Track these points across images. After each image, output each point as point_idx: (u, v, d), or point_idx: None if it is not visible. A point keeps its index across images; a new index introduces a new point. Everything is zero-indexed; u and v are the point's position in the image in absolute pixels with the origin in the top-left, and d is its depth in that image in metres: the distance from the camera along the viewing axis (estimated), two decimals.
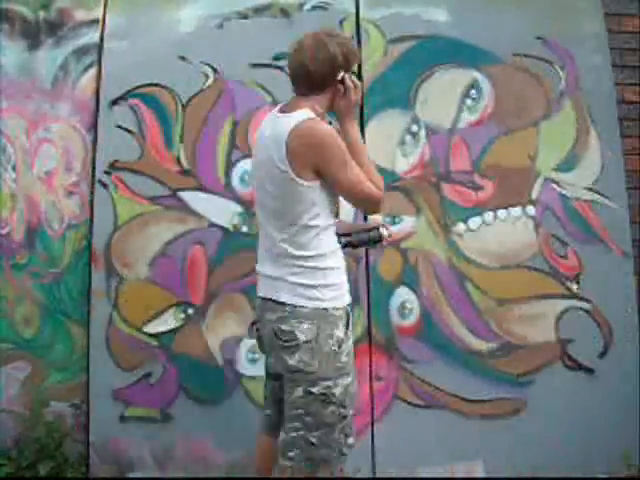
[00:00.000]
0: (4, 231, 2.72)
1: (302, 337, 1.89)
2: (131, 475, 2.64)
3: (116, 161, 2.71)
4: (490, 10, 2.83)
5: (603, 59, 2.85)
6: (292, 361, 1.89)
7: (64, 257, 2.72)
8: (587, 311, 2.73)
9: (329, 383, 1.91)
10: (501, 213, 2.77)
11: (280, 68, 2.74)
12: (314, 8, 2.80)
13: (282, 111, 1.97)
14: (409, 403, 2.69)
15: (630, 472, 2.65)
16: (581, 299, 2.75)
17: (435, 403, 2.69)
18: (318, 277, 1.93)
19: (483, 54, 2.80)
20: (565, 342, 2.73)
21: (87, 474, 2.62)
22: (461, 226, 2.76)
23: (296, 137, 1.86)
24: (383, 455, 2.67)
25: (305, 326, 1.89)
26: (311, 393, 1.90)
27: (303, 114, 1.90)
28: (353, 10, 2.80)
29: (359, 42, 2.77)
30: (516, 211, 2.77)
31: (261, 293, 2.02)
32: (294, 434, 1.92)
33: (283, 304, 1.92)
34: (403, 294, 2.72)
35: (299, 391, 1.91)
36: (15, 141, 2.75)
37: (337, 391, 1.92)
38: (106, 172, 2.71)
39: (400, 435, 2.66)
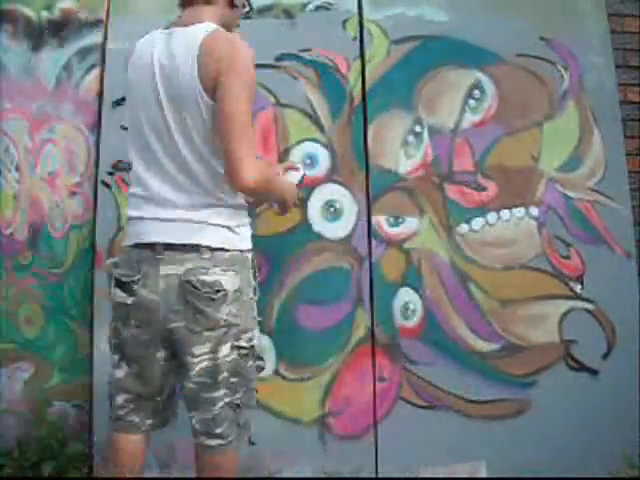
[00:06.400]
0: (7, 232, 2.72)
1: (229, 286, 1.72)
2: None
3: (119, 161, 2.70)
4: (493, 11, 2.83)
5: (606, 60, 2.85)
6: (220, 314, 1.71)
7: (67, 257, 2.72)
8: (590, 312, 2.73)
9: (250, 335, 1.78)
10: (504, 214, 2.77)
11: (283, 68, 2.74)
12: (317, 8, 2.80)
13: (180, 25, 1.80)
14: (412, 404, 2.68)
15: (632, 473, 2.65)
16: (584, 300, 2.74)
17: (438, 404, 2.69)
18: (236, 217, 1.77)
19: (486, 55, 2.80)
20: (568, 343, 2.73)
21: (90, 474, 2.62)
22: (464, 227, 2.75)
23: (212, 44, 1.69)
24: (386, 455, 2.66)
25: (230, 273, 1.73)
26: (238, 348, 1.75)
27: (211, 24, 1.76)
28: (356, 10, 2.79)
29: (362, 42, 2.78)
30: (519, 212, 2.77)
31: (149, 238, 1.73)
32: (220, 404, 1.75)
33: (198, 250, 1.71)
34: (406, 295, 2.72)
35: (225, 349, 1.73)
36: (18, 142, 2.75)
37: (256, 343, 1.81)
38: (109, 172, 2.71)
39: (403, 436, 2.66)
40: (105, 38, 2.77)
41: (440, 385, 2.68)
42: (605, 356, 2.74)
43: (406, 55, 2.78)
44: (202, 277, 1.69)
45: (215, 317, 1.70)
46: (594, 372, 2.73)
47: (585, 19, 2.88)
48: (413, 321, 2.71)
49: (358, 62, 2.77)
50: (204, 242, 1.72)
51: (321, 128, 2.74)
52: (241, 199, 1.81)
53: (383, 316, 2.70)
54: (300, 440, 2.62)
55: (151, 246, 1.73)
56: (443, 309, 2.72)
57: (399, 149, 2.76)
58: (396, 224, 2.73)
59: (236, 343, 1.75)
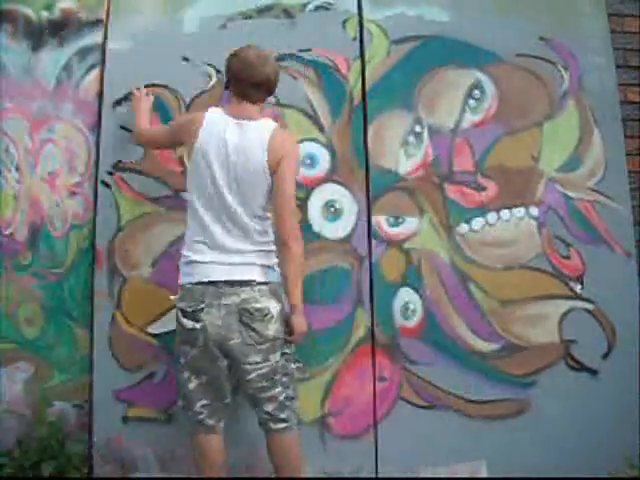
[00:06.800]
0: (7, 232, 2.72)
1: (274, 310, 2.25)
2: (134, 475, 2.64)
3: (119, 162, 2.71)
4: (493, 10, 2.83)
5: (607, 60, 2.86)
6: (269, 331, 2.23)
7: (67, 257, 2.72)
8: (590, 312, 2.73)
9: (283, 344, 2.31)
10: (504, 214, 2.77)
11: (284, 68, 2.74)
12: (317, 9, 2.80)
13: (237, 117, 2.28)
14: (412, 404, 2.68)
15: (632, 473, 2.65)
16: (584, 300, 2.75)
17: (438, 404, 2.69)
18: (273, 258, 2.31)
19: (486, 54, 2.80)
20: (568, 343, 2.73)
21: (90, 474, 2.62)
22: (464, 227, 2.76)
23: (278, 140, 2.27)
24: (386, 455, 2.67)
25: (273, 300, 2.26)
26: (284, 354, 2.29)
27: (272, 122, 2.33)
28: (356, 10, 2.80)
29: (362, 42, 2.78)
30: (519, 212, 2.77)
31: (213, 277, 2.23)
32: (280, 398, 2.28)
33: (250, 284, 2.23)
34: (406, 295, 2.72)
35: (276, 356, 2.26)
36: (18, 142, 2.75)
37: (294, 349, 2.35)
38: (109, 173, 2.71)
39: (403, 436, 2.66)
40: (105, 38, 2.77)
41: (440, 385, 2.68)
42: (605, 356, 2.74)
43: (406, 55, 2.78)
44: (254, 304, 2.22)
45: (265, 334, 2.22)
46: (594, 372, 2.73)
47: (585, 19, 2.88)
48: (413, 321, 2.71)
49: (358, 62, 2.77)
50: (255, 278, 2.24)
51: (321, 128, 2.75)
52: (275, 246, 2.32)
53: (383, 316, 2.70)
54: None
55: (214, 283, 2.22)
56: (443, 309, 2.72)
57: (399, 149, 2.76)
58: (396, 224, 2.73)
59: (282, 350, 2.28)
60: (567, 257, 2.76)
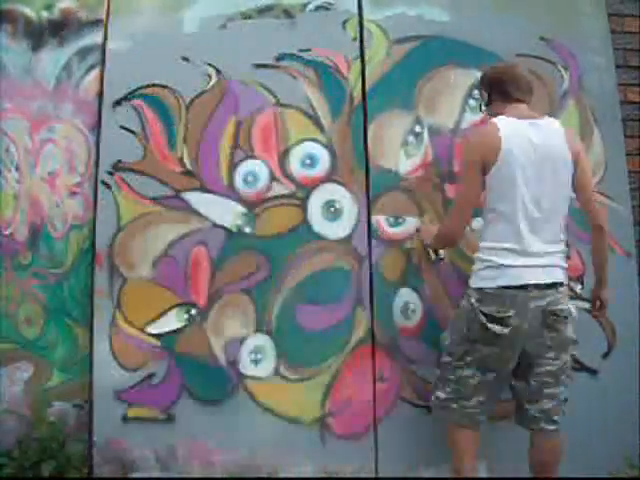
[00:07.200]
0: (7, 232, 2.72)
1: (573, 311, 2.33)
2: (134, 475, 2.64)
3: (119, 162, 2.71)
4: (493, 10, 2.83)
5: (606, 60, 2.86)
6: (568, 332, 2.30)
7: (67, 257, 2.72)
8: (591, 312, 2.73)
9: (576, 345, 2.37)
10: None
11: (283, 68, 2.75)
12: (317, 9, 2.81)
13: (525, 118, 2.30)
14: (412, 404, 2.68)
15: (632, 473, 2.65)
16: (584, 300, 2.74)
17: None
18: (566, 258, 2.36)
19: (486, 54, 2.80)
20: None
21: (90, 474, 2.62)
22: None
23: (571, 134, 2.38)
24: (386, 455, 2.67)
25: (571, 302, 2.34)
26: (572, 355, 2.36)
27: (552, 118, 2.38)
28: (356, 10, 2.80)
29: (362, 42, 2.78)
30: None
31: (521, 281, 2.24)
32: (561, 397, 2.33)
33: (554, 287, 2.28)
34: (406, 295, 2.72)
35: (566, 357, 2.32)
36: (18, 142, 2.75)
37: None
38: (109, 173, 2.71)
39: (403, 435, 2.66)
40: (105, 38, 2.77)
41: None
42: (605, 356, 2.74)
43: (406, 55, 2.79)
44: (559, 306, 2.28)
45: (565, 335, 2.30)
46: (594, 372, 2.73)
47: (585, 19, 2.88)
48: (413, 321, 2.71)
49: (358, 62, 2.77)
50: (560, 280, 2.31)
51: (321, 128, 2.75)
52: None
53: (383, 316, 2.70)
54: (300, 440, 2.62)
55: (523, 287, 2.25)
56: (443, 309, 2.72)
57: (399, 149, 2.76)
58: (396, 224, 2.73)
59: (572, 352, 2.36)
60: (567, 257, 2.76)
